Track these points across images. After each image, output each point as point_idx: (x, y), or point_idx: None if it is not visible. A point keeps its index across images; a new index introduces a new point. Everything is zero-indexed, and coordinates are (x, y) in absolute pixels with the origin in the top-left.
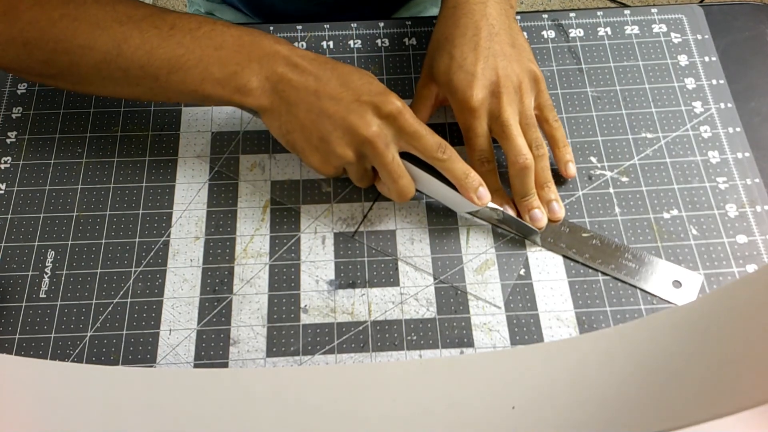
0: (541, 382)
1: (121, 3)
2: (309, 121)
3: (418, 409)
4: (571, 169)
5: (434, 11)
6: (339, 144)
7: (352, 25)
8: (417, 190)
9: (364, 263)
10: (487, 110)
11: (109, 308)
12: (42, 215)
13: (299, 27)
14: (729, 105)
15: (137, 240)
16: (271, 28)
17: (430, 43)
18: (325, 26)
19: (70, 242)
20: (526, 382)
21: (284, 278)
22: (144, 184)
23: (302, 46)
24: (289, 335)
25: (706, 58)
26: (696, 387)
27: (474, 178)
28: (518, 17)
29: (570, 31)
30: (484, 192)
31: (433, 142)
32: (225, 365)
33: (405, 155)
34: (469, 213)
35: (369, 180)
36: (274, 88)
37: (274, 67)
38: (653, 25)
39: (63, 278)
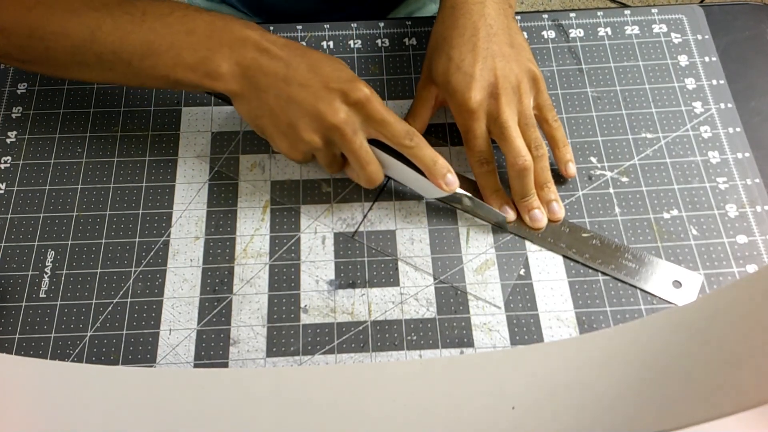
0: (541, 382)
1: None
2: (278, 107)
3: (418, 409)
4: (572, 169)
5: (433, 8)
6: (306, 130)
7: (352, 25)
8: (386, 176)
9: (364, 263)
10: (486, 111)
11: (109, 308)
12: (42, 215)
13: (299, 27)
14: (729, 105)
15: (137, 240)
16: (271, 27)
17: (428, 44)
18: (325, 26)
19: (70, 242)
20: (526, 382)
21: (284, 278)
22: (144, 184)
23: None
24: (289, 335)
25: (707, 58)
26: (696, 387)
27: (442, 164)
28: (518, 17)
29: (570, 31)
30: (453, 178)
31: (401, 129)
32: (225, 365)
33: (374, 142)
34: (438, 199)
35: (338, 166)
36: (244, 74)
37: (244, 52)
38: (653, 26)
39: (63, 278)
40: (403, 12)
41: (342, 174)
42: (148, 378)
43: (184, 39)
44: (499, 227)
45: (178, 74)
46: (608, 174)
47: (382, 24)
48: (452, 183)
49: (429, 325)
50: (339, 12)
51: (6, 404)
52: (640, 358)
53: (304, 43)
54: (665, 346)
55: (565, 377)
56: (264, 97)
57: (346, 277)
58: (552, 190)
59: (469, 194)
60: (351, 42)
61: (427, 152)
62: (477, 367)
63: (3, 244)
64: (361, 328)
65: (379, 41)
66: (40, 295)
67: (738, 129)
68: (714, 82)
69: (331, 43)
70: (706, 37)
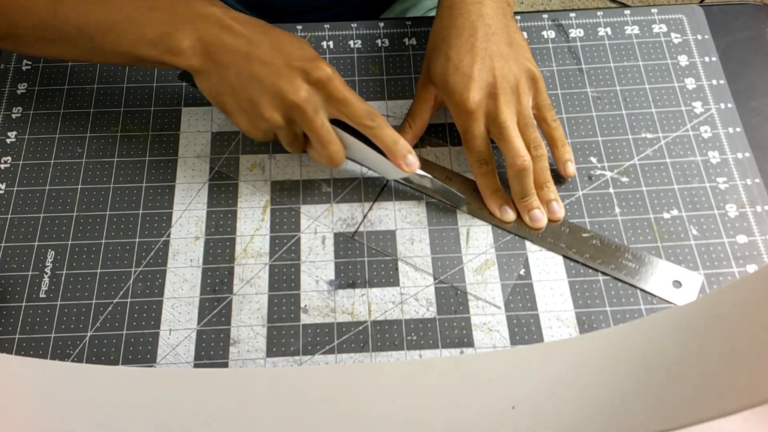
0: (541, 382)
1: None
2: (239, 84)
3: (418, 409)
4: (570, 169)
5: (427, 4)
6: (267, 108)
7: (352, 25)
8: (348, 157)
9: (364, 263)
10: (484, 112)
11: (109, 308)
12: (42, 215)
13: (299, 27)
14: (729, 105)
15: (137, 240)
16: None
17: (427, 45)
18: (325, 26)
19: (70, 242)
20: (526, 382)
21: (284, 278)
22: (144, 184)
23: None
24: (289, 335)
25: (706, 58)
26: (696, 387)
27: (403, 145)
28: (518, 17)
29: (570, 31)
30: (413, 159)
31: (362, 109)
32: (225, 365)
33: (337, 122)
34: (399, 180)
35: (300, 145)
36: (206, 50)
37: (206, 28)
38: (653, 26)
39: (63, 278)
40: (398, 7)
41: (341, 174)
42: (148, 378)
43: (147, 15)
44: (457, 208)
45: (140, 50)
46: (608, 174)
47: (381, 24)
48: (413, 164)
49: (429, 325)
50: (334, 8)
51: (6, 404)
52: (640, 358)
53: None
54: (665, 346)
55: (565, 377)
56: (225, 73)
57: (346, 277)
58: (552, 190)
59: (430, 176)
60: (351, 42)
61: (388, 133)
62: (477, 367)
63: (3, 244)
64: (361, 328)
65: (378, 41)
66: (40, 295)
67: (738, 129)
68: (714, 82)
69: (331, 43)
70: (706, 37)
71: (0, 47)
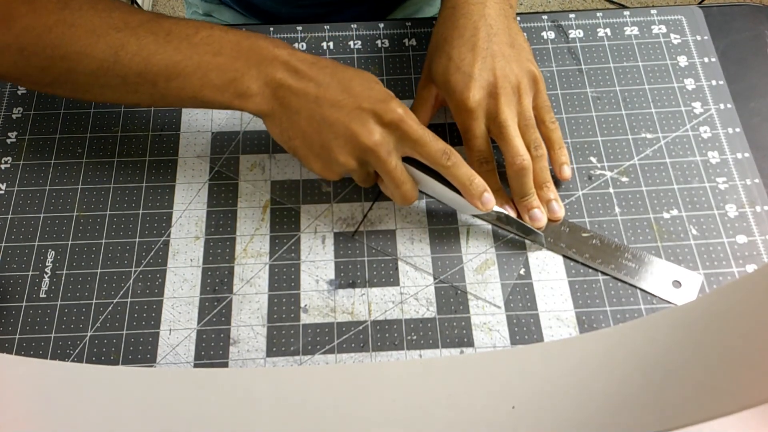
0: (541, 382)
1: (118, 9)
2: (310, 129)
3: (418, 409)
4: (566, 172)
5: (429, 11)
6: (341, 152)
7: (352, 26)
8: (422, 192)
9: (364, 263)
10: (485, 111)
11: (109, 308)
12: (42, 215)
13: (299, 28)
14: (728, 105)
15: (137, 240)
16: (271, 29)
17: (429, 44)
18: (326, 27)
19: (70, 242)
20: (526, 382)
21: (284, 278)
22: (144, 184)
23: (302, 47)
24: (289, 335)
25: (706, 59)
26: (696, 387)
27: (479, 184)
28: (518, 18)
29: (570, 32)
30: (489, 197)
31: (437, 149)
32: (225, 365)
33: (409, 159)
34: (475, 216)
35: (372, 181)
36: (274, 94)
37: (273, 72)
38: (653, 26)
39: (63, 278)
40: (399, 15)
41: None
42: (148, 378)
43: (211, 60)
44: (534, 242)
45: (206, 95)
46: (608, 174)
47: (381, 25)
48: (488, 202)
49: (429, 325)
50: (334, 17)
51: (6, 404)
52: (639, 358)
53: (304, 45)
54: (665, 345)
55: (565, 377)
56: (295, 118)
57: (346, 277)
58: (551, 190)
59: (505, 211)
60: (351, 43)
61: (464, 171)
62: (477, 367)
63: (3, 245)
64: (361, 327)
65: (378, 42)
66: (41, 295)
67: (737, 129)
68: (713, 82)
69: (331, 44)
70: (705, 38)
71: (54, 93)
